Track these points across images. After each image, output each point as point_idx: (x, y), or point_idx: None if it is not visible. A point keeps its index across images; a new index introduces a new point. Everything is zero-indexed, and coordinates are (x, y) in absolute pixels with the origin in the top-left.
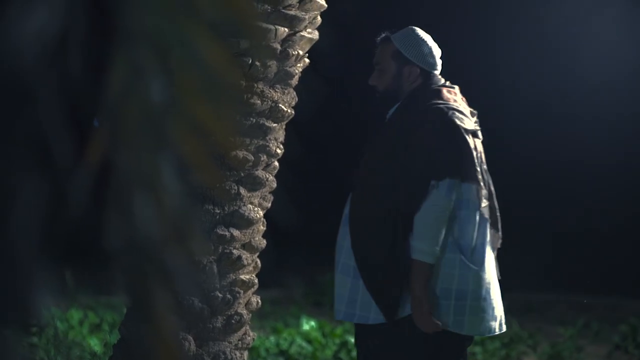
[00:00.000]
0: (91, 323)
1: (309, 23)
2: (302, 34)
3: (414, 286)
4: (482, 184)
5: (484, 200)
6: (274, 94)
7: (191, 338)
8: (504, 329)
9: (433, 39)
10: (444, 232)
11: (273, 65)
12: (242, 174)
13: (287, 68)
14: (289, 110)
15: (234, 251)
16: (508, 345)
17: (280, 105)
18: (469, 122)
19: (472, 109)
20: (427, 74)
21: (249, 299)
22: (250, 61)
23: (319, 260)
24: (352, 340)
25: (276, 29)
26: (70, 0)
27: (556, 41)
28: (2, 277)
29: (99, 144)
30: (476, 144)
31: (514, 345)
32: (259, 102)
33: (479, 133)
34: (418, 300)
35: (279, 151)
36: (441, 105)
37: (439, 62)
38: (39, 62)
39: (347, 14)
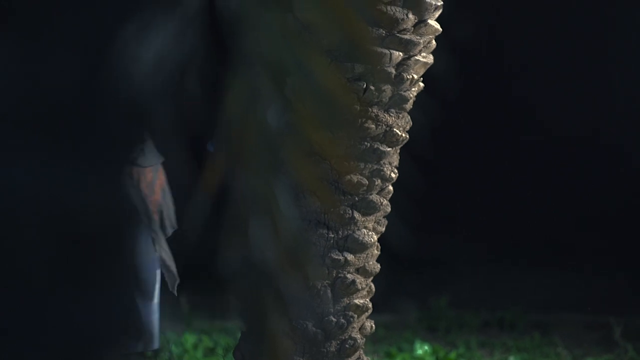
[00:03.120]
0: (205, 347)
1: (423, 47)
2: (416, 58)
3: None
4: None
5: None
6: (388, 118)
7: None
8: None
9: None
10: None
11: (387, 89)
12: (357, 198)
13: (402, 92)
14: (403, 135)
15: (348, 275)
16: None
17: (394, 129)
18: None
19: None
20: None
21: (362, 323)
22: (365, 85)
23: (432, 285)
24: None
25: (391, 53)
26: (188, 25)
27: None
28: (118, 301)
29: (215, 168)
30: None
31: None
32: (373, 126)
33: None
34: None
35: (393, 175)
36: None
37: None
38: (159, 88)
39: (462, 39)
